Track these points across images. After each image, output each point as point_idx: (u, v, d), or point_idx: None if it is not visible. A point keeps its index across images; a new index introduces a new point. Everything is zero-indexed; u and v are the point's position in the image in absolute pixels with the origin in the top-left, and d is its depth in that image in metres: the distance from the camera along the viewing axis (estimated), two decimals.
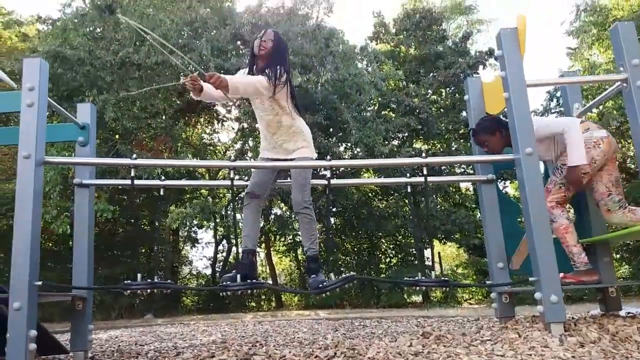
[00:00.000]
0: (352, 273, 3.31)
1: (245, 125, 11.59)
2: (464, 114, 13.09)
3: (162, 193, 3.60)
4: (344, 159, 11.52)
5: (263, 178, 3.27)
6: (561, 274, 3.10)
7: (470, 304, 12.62)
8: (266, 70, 3.08)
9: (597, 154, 3.08)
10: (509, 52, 2.94)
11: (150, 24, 9.02)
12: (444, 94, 14.63)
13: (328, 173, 3.19)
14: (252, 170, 3.39)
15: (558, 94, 12.17)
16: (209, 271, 14.58)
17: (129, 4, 9.77)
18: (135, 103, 9.51)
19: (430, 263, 12.66)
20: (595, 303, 3.92)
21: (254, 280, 2.98)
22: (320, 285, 2.96)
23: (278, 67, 3.10)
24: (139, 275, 3.00)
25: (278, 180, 3.55)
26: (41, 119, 2.90)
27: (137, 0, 9.78)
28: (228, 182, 3.26)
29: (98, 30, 10.13)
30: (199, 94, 3.21)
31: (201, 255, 16.18)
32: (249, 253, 3.19)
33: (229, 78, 2.96)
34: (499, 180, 12.27)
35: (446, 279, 3.02)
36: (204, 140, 13.36)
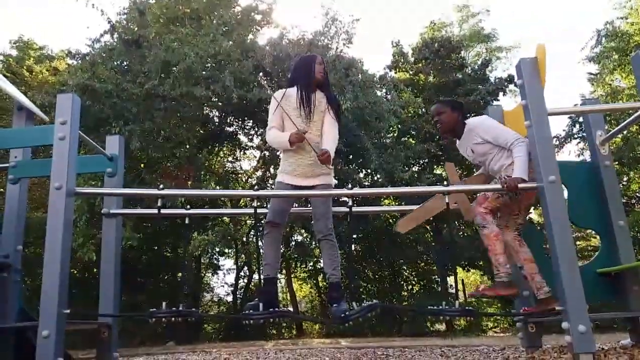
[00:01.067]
0: (375, 301, 3.27)
1: (267, 153, 11.73)
2: None
3: (187, 221, 3.67)
4: (364, 185, 11.54)
5: (282, 206, 3.29)
6: (482, 287, 3.10)
7: (496, 332, 12.30)
8: (334, 113, 3.30)
9: (531, 178, 3.06)
10: (529, 81, 2.97)
11: (176, 57, 9.31)
12: None
13: (349, 201, 3.22)
14: (273, 199, 3.42)
15: (580, 119, 12.06)
16: (230, 298, 14.58)
17: (154, 38, 10.12)
18: (160, 133, 9.74)
19: (453, 291, 12.44)
20: (625, 332, 3.80)
21: (276, 309, 2.99)
22: (343, 315, 2.94)
23: (338, 104, 3.37)
24: (163, 304, 3.05)
25: (299, 209, 3.57)
26: (72, 151, 3.01)
27: (162, 35, 10.13)
28: (251, 210, 3.32)
29: (125, 63, 10.49)
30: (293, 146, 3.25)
31: (222, 282, 16.21)
32: (271, 281, 3.21)
33: (330, 152, 3.11)
34: None
35: (471, 308, 2.99)
36: (226, 168, 13.55)
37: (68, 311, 2.76)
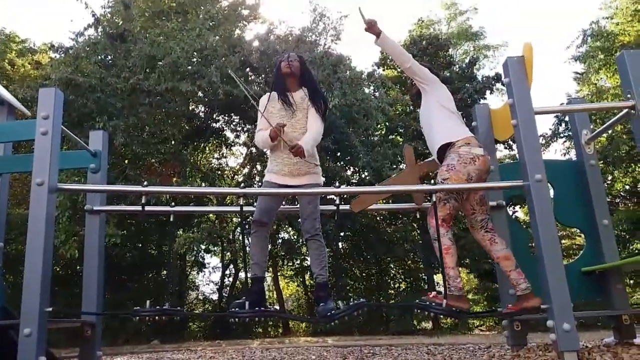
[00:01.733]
0: (361, 300, 3.28)
1: (254, 150, 11.67)
2: None
3: (171, 219, 3.63)
4: (352, 183, 11.54)
5: (270, 204, 3.27)
6: (433, 293, 3.06)
7: (482, 330, 12.42)
8: (316, 108, 3.29)
9: (473, 170, 3.02)
10: (516, 80, 2.97)
11: (161, 51, 9.19)
12: None
13: (337, 199, 3.20)
14: (260, 197, 3.40)
15: (566, 118, 12.19)
16: (215, 296, 14.49)
17: (140, 32, 9.99)
18: (145, 128, 9.63)
19: (440, 288, 12.51)
20: (609, 330, 3.85)
21: (262, 308, 2.97)
22: (329, 314, 2.93)
23: (322, 100, 3.36)
24: (147, 302, 3.00)
25: (286, 207, 3.55)
26: (55, 146, 2.95)
27: (148, 29, 10.00)
28: (237, 208, 3.28)
29: (109, 57, 10.33)
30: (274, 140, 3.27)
31: (208, 280, 16.11)
32: (258, 281, 3.18)
33: (305, 146, 3.07)
34: (509, 205, 12.24)
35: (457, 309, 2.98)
36: (212, 165, 13.45)
37: (50, 309, 2.71)
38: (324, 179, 3.42)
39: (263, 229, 3.25)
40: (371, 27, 3.27)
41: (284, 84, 3.34)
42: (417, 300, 3.08)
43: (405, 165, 3.43)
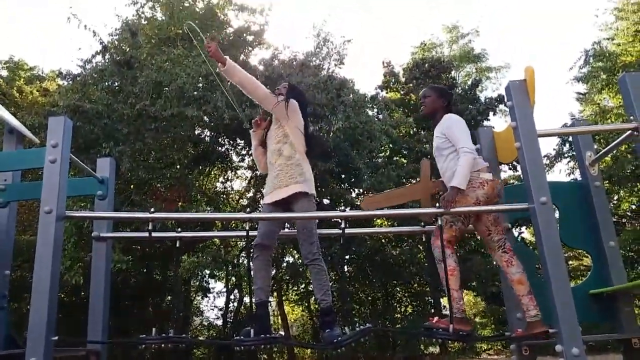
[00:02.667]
0: (367, 325, 3.25)
1: (258, 173, 11.72)
2: None
3: (177, 245, 3.63)
4: (357, 205, 11.53)
5: (270, 227, 3.29)
6: (436, 318, 3.04)
7: (489, 354, 12.21)
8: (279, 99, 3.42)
9: (481, 194, 3.07)
10: (518, 103, 3.00)
11: (167, 77, 9.33)
12: None
13: (342, 222, 3.20)
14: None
15: (570, 138, 12.20)
16: (220, 322, 14.34)
17: (146, 59, 10.15)
18: (151, 154, 9.70)
19: (447, 312, 12.33)
20: (618, 354, 3.79)
21: (268, 335, 2.95)
22: (336, 340, 2.91)
23: (290, 96, 3.43)
24: (153, 330, 3.00)
25: (286, 231, 3.56)
26: (63, 175, 2.98)
27: (154, 56, 10.17)
28: (243, 233, 3.30)
29: (116, 84, 10.49)
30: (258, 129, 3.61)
31: (212, 305, 15.97)
32: (262, 305, 3.17)
33: (228, 60, 3.32)
34: (515, 226, 12.16)
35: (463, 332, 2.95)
36: (217, 189, 13.49)
37: (56, 338, 2.70)
38: (314, 192, 3.39)
39: (265, 253, 3.25)
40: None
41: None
42: (422, 328, 3.05)
43: (420, 179, 3.47)
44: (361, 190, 12.04)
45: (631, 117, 3.07)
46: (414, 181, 13.34)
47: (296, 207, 3.20)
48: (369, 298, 13.84)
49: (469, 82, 15.98)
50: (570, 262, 13.31)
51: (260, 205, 11.03)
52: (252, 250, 3.28)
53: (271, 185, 3.32)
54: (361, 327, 3.02)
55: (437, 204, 3.10)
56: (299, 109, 3.43)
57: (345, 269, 12.26)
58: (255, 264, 3.24)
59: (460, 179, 3.00)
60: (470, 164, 3.06)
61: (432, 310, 12.30)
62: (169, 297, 12.20)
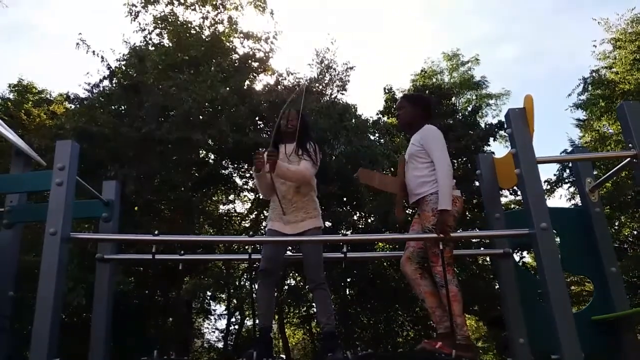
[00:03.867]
0: (369, 351, 3.25)
1: (261, 196, 11.78)
2: (476, 183, 13.15)
3: (180, 267, 3.65)
4: (359, 228, 11.52)
5: (275, 252, 3.30)
6: (438, 343, 2.99)
7: None
8: (306, 155, 3.28)
9: (455, 211, 3.10)
10: (517, 131, 3.05)
11: (173, 102, 9.47)
12: (455, 164, 14.82)
13: (344, 246, 3.23)
14: (265, 245, 3.42)
15: (570, 164, 12.25)
16: (221, 344, 14.21)
17: (153, 83, 10.32)
18: (156, 176, 9.77)
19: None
20: None
21: (269, 359, 2.95)
22: None
23: (311, 145, 3.33)
24: (155, 352, 3.00)
25: (290, 255, 3.58)
26: (69, 197, 3.03)
27: (161, 81, 10.34)
28: (246, 256, 3.32)
29: (122, 107, 10.64)
30: (265, 169, 3.31)
31: (214, 327, 15.86)
32: (265, 331, 3.18)
33: (278, 165, 3.13)
34: (517, 251, 12.13)
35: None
36: (220, 211, 13.53)
37: (58, 359, 2.70)
38: (328, 224, 3.46)
39: (270, 278, 3.27)
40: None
41: (278, 139, 3.44)
42: (420, 346, 3.04)
43: (396, 173, 3.49)
44: (363, 214, 12.05)
45: (630, 145, 3.12)
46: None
47: (308, 236, 3.24)
48: (371, 322, 13.69)
49: (469, 108, 16.14)
50: (572, 288, 13.20)
51: (263, 228, 11.07)
52: (256, 276, 3.29)
53: (285, 219, 3.29)
54: (363, 352, 3.01)
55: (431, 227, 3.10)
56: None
57: (347, 292, 12.17)
58: (260, 290, 3.25)
59: (448, 201, 2.99)
60: (452, 185, 3.07)
61: (435, 335, 12.16)
62: (171, 319, 12.11)
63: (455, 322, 2.96)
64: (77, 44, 10.70)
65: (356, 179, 3.56)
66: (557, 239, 3.44)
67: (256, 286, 3.30)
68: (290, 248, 3.58)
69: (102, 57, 10.63)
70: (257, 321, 3.20)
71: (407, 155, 3.38)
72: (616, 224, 13.16)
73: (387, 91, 15.80)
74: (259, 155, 3.23)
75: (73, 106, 11.11)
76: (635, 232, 13.44)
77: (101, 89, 10.81)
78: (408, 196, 3.39)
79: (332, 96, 11.50)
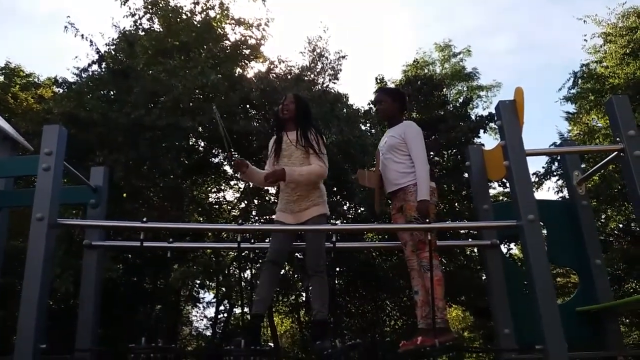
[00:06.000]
0: (357, 340, 3.29)
1: (251, 184, 11.74)
2: (465, 175, 13.23)
3: (169, 255, 3.64)
4: (348, 218, 11.56)
5: (282, 244, 3.30)
6: (419, 339, 3.04)
7: None
8: (312, 149, 3.25)
9: (433, 202, 3.31)
10: (507, 123, 3.07)
11: (163, 88, 9.37)
12: (445, 156, 14.87)
13: (334, 236, 3.23)
14: (272, 236, 3.41)
15: (559, 156, 12.35)
16: (209, 332, 14.26)
17: (142, 69, 10.20)
18: (145, 163, 9.70)
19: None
20: None
21: (258, 347, 2.96)
22: (326, 353, 2.92)
23: (313, 135, 3.29)
24: (143, 339, 2.99)
25: (294, 244, 3.57)
26: (56, 182, 3.00)
27: (150, 66, 10.22)
28: (235, 244, 3.31)
29: (112, 93, 10.51)
30: (244, 174, 3.40)
31: (202, 315, 15.90)
32: (259, 318, 3.18)
33: (288, 173, 3.14)
34: (504, 242, 12.26)
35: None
36: (210, 199, 13.47)
37: (44, 346, 2.69)
38: (328, 211, 3.42)
39: (275, 268, 3.27)
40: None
41: (280, 126, 3.45)
42: (402, 349, 3.08)
43: (374, 169, 3.58)
44: (353, 204, 12.08)
45: (617, 139, 3.15)
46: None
47: (310, 224, 3.24)
48: (359, 311, 13.81)
49: (460, 100, 16.17)
50: (557, 280, 13.39)
51: (257, 216, 11.04)
52: (245, 262, 3.29)
53: (290, 208, 3.30)
54: (352, 341, 3.04)
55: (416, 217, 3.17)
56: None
57: (336, 282, 12.23)
58: (263, 276, 3.24)
59: (427, 191, 3.18)
60: (429, 179, 3.26)
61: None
62: (159, 306, 12.10)
63: (437, 305, 3.03)
64: (66, 27, 10.53)
65: (355, 180, 3.62)
66: (544, 231, 3.48)
67: (260, 272, 3.30)
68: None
69: (91, 41, 10.48)
70: (247, 307, 3.20)
71: (386, 148, 3.47)
72: (603, 217, 13.34)
73: (378, 81, 15.77)
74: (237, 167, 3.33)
75: (61, 90, 10.96)
76: (621, 226, 13.63)
77: (90, 73, 10.68)
78: (384, 187, 3.50)
79: (324, 85, 11.45)
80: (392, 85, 15.80)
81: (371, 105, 15.03)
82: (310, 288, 3.25)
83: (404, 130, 3.39)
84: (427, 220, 3.09)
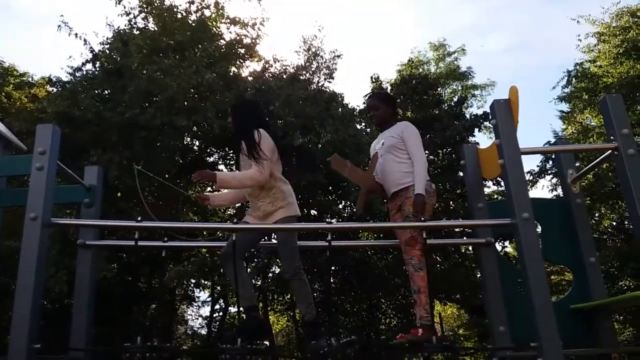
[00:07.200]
0: (353, 337, 3.29)
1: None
2: (460, 173, 13.26)
3: (163, 254, 3.63)
4: (344, 216, 11.57)
5: (249, 244, 3.39)
6: (414, 331, 3.10)
7: None
8: (251, 157, 3.17)
9: (432, 203, 3.39)
10: (502, 122, 3.08)
11: (158, 87, 9.33)
12: (440, 154, 14.90)
13: (329, 235, 3.23)
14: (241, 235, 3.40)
15: (553, 155, 12.40)
16: (204, 331, 14.24)
17: (137, 68, 10.15)
18: (139, 162, 9.65)
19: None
20: None
21: (252, 346, 2.96)
22: (322, 352, 2.93)
23: (250, 141, 3.18)
24: (138, 338, 2.98)
25: (275, 242, 3.58)
26: (50, 182, 2.98)
27: (145, 65, 10.17)
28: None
29: (106, 92, 10.45)
30: (209, 203, 3.49)
31: (197, 314, 15.88)
32: (249, 310, 3.17)
33: (219, 177, 3.14)
34: (499, 241, 12.30)
35: (449, 343, 3.00)
36: None
37: (38, 346, 2.68)
38: (298, 212, 3.38)
39: (232, 263, 3.23)
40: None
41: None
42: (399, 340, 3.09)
43: (368, 169, 3.58)
44: (348, 203, 12.09)
45: (611, 138, 3.16)
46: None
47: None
48: (355, 309, 13.83)
49: (455, 99, 16.21)
50: (552, 277, 13.46)
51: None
52: (229, 260, 3.22)
53: (255, 214, 3.32)
54: (347, 339, 3.05)
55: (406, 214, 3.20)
56: (263, 136, 3.24)
57: (331, 280, 12.24)
58: (244, 273, 3.29)
59: (423, 186, 3.26)
60: (426, 177, 3.35)
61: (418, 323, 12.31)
62: (154, 306, 12.07)
63: (426, 303, 3.12)
64: (59, 26, 10.47)
65: (328, 164, 3.61)
66: (539, 229, 3.50)
67: (227, 268, 3.27)
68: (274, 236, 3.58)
69: (85, 40, 10.43)
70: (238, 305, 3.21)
71: (384, 149, 3.49)
72: (596, 215, 13.41)
73: (374, 80, 15.77)
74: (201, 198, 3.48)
75: (55, 89, 10.89)
76: (614, 224, 13.71)
77: (84, 72, 10.62)
78: (383, 189, 3.54)
79: (319, 84, 11.44)
80: (388, 85, 15.81)
81: (366, 105, 15.06)
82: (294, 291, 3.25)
83: (402, 130, 3.47)
84: (422, 219, 3.11)
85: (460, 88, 18.69)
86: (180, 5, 12.09)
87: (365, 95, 3.61)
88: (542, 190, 14.76)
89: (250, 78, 10.92)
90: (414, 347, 3.03)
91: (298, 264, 3.19)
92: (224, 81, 10.17)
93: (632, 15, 14.04)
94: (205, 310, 14.75)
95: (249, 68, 12.38)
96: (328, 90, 11.31)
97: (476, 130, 14.39)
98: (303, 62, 11.61)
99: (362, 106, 13.95)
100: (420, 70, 17.58)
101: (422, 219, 3.12)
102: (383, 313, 14.08)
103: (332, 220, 10.26)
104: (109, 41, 11.22)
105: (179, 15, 11.78)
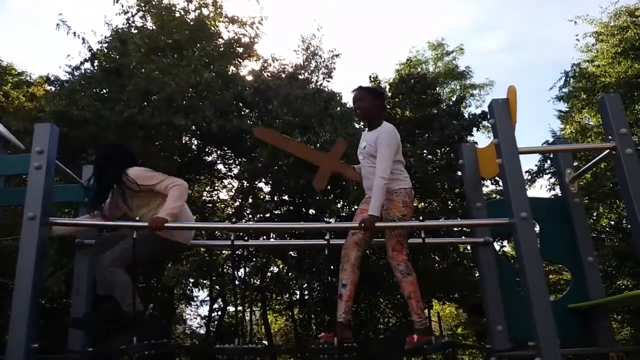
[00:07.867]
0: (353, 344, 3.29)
1: (245, 183, 11.72)
2: (459, 173, 13.25)
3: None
4: (342, 216, 11.56)
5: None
6: (414, 337, 3.07)
7: None
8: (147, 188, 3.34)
9: (413, 205, 3.32)
10: (500, 121, 3.09)
11: (156, 86, 9.31)
12: (439, 153, 14.89)
13: (327, 234, 3.24)
14: None
15: (551, 154, 12.40)
16: (203, 330, 14.23)
17: (135, 67, 10.13)
18: (138, 161, 9.64)
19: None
20: None
21: (250, 346, 2.96)
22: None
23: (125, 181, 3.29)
24: (134, 339, 2.98)
25: (272, 242, 3.57)
26: (48, 181, 2.98)
27: (143, 64, 10.15)
28: (228, 242, 3.32)
29: (104, 91, 10.44)
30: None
31: (195, 314, 15.88)
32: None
33: (168, 215, 3.13)
34: (497, 240, 12.31)
35: (449, 340, 3.01)
36: (203, 197, 13.42)
37: (36, 345, 2.68)
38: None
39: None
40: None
41: None
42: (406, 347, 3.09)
43: (331, 152, 3.62)
44: (347, 202, 12.08)
45: (609, 137, 3.17)
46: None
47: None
48: (353, 308, 13.80)
49: (453, 98, 16.19)
50: (550, 277, 13.47)
51: (250, 215, 11.00)
52: (239, 260, 3.27)
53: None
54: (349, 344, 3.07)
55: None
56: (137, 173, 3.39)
57: (330, 280, 12.24)
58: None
59: (378, 207, 3.12)
60: (384, 193, 3.13)
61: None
62: (152, 305, 12.06)
63: (420, 307, 3.06)
64: (57, 24, 10.45)
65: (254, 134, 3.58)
66: (537, 229, 3.51)
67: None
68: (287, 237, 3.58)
69: (83, 39, 10.41)
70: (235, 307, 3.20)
71: (364, 154, 3.38)
72: (594, 214, 13.42)
73: (372, 79, 15.75)
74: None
75: (53, 88, 10.87)
76: (612, 223, 13.73)
77: (82, 71, 10.61)
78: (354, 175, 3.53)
79: (318, 83, 11.43)
80: (386, 84, 15.81)
81: None
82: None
83: (377, 137, 3.26)
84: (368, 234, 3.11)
85: (458, 87, 18.71)
86: (178, 4, 12.09)
87: (354, 89, 3.47)
88: (541, 189, 14.79)
89: (248, 77, 10.90)
90: (413, 352, 3.03)
91: (122, 263, 3.14)
92: (223, 80, 10.15)
93: (630, 14, 14.04)
94: (204, 310, 14.75)
95: (247, 67, 12.37)
96: (327, 89, 11.31)
97: (474, 129, 14.34)
98: (302, 61, 11.60)
99: None
100: (419, 69, 17.59)
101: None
102: (382, 312, 14.07)
103: (331, 220, 10.23)
104: (107, 40, 11.20)
105: (177, 14, 11.77)
